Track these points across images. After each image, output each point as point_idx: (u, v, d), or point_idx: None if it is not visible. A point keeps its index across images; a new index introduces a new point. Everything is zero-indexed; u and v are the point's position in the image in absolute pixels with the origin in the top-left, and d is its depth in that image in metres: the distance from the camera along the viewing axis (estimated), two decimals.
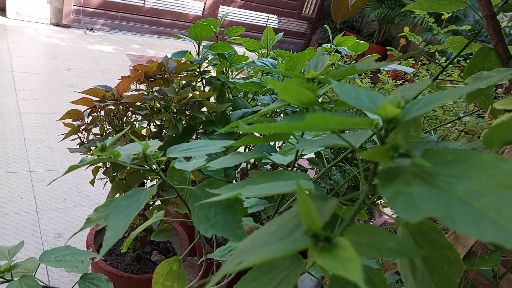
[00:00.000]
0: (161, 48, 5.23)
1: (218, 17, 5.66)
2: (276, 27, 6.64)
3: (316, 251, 0.27)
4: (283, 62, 1.33)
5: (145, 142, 0.56)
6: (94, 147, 1.18)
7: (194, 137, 1.32)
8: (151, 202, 1.44)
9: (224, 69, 1.37)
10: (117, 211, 0.51)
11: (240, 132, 1.57)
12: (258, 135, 0.60)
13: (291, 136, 0.78)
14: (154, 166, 0.65)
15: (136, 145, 0.59)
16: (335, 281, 0.39)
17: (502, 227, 0.22)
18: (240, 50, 1.52)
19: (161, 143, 0.63)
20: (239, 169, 1.59)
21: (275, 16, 6.54)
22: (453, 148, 0.29)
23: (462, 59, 1.78)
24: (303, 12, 6.62)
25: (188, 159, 0.80)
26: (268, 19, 6.48)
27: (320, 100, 1.34)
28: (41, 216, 2.12)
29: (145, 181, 1.39)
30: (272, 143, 1.31)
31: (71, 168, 0.58)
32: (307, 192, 0.43)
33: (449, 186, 0.26)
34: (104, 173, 1.31)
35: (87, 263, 0.91)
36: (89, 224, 0.62)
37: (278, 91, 0.32)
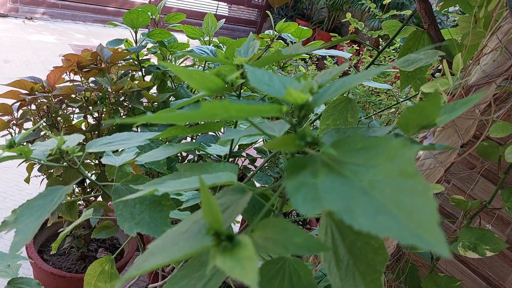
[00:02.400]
0: (107, 37, 5.03)
1: (166, 4, 5.51)
2: (227, 14, 6.57)
3: (218, 252, 0.24)
4: (223, 50, 1.30)
5: (60, 137, 0.51)
6: (25, 143, 1.10)
7: (135, 129, 1.27)
8: (93, 198, 1.38)
9: (164, 57, 1.32)
10: (29, 212, 0.47)
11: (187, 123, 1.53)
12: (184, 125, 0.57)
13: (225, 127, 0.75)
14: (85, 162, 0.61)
15: (52, 140, 0.54)
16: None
17: (398, 220, 0.21)
18: (183, 37, 1.47)
19: (83, 137, 0.59)
20: (185, 161, 1.55)
21: (225, 4, 6.47)
22: (363, 135, 0.27)
23: (401, 43, 1.82)
24: None
25: (120, 153, 0.76)
26: (217, 6, 6.39)
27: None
28: None
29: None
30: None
31: None
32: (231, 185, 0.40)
33: (355, 175, 0.25)
34: (39, 170, 1.23)
35: (16, 267, 0.85)
36: (4, 227, 0.57)
37: (183, 78, 0.29)
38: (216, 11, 6.38)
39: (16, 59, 3.71)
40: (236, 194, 0.35)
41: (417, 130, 0.31)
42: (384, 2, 1.64)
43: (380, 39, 1.92)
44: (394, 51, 1.71)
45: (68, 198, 1.22)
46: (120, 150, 0.72)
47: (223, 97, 0.36)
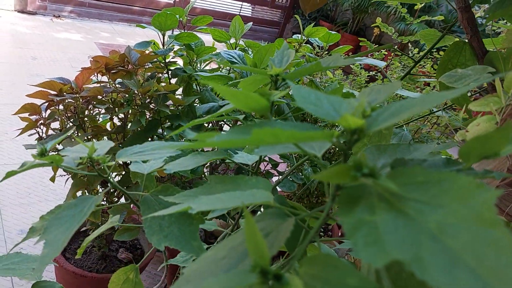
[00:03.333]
0: (132, 36, 5.09)
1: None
2: (250, 15, 6.56)
3: None
4: (253, 54, 1.28)
5: (91, 145, 0.50)
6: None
7: (160, 131, 1.26)
8: (116, 199, 1.38)
9: (191, 60, 1.31)
10: (58, 223, 0.46)
11: (210, 125, 1.51)
12: None
13: None
14: (111, 166, 0.60)
15: (82, 147, 0.53)
16: None
17: (479, 278, 0.18)
18: (210, 39, 1.46)
19: (113, 144, 0.57)
20: (208, 164, 1.54)
21: (248, 4, 6.46)
22: (424, 168, 0.25)
23: (434, 50, 1.77)
24: (277, 0, 6.55)
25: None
26: (241, 7, 6.39)
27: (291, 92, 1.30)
28: (4, 212, 2.03)
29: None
30: None
31: (9, 174, 0.52)
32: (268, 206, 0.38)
33: (419, 215, 0.22)
34: (64, 169, 1.24)
35: (40, 270, 0.85)
36: (32, 234, 0.56)
37: (226, 98, 0.27)
38: (239, 12, 6.37)
39: (44, 56, 3.77)
40: (276, 219, 0.33)
41: (478, 160, 0.29)
42: (415, 7, 1.60)
43: (409, 44, 1.88)
44: (424, 57, 1.66)
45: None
46: None
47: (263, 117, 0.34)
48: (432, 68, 1.66)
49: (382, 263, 0.20)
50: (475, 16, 0.65)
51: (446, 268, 0.19)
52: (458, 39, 0.71)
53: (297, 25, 6.72)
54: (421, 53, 1.66)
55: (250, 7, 6.52)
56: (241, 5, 6.35)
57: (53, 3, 4.85)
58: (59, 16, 4.92)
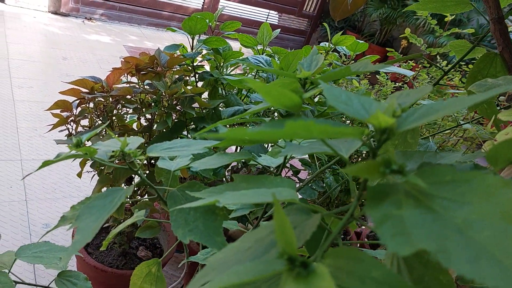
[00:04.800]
0: (159, 40, 5.18)
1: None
2: (276, 23, 6.59)
3: (290, 277, 0.23)
4: (279, 60, 1.29)
5: (124, 139, 0.52)
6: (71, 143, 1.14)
7: (185, 133, 1.28)
8: (139, 197, 1.41)
9: (218, 64, 1.33)
10: (89, 212, 0.48)
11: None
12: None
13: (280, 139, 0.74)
14: (139, 163, 0.61)
15: (115, 141, 0.55)
16: None
17: (506, 269, 0.19)
18: (236, 45, 1.48)
19: (143, 140, 0.59)
20: (229, 167, 1.55)
21: (275, 12, 6.49)
22: (452, 167, 0.25)
23: (463, 63, 1.75)
24: (304, 9, 6.57)
25: (174, 157, 0.76)
26: (268, 15, 6.43)
27: (316, 99, 1.30)
28: (30, 206, 2.09)
29: (133, 175, 1.36)
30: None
31: (46, 163, 0.55)
32: (292, 203, 0.39)
33: (446, 211, 0.23)
34: (91, 166, 1.27)
35: (66, 260, 0.87)
36: (63, 222, 0.59)
37: (260, 94, 0.28)
38: (266, 20, 6.42)
39: (74, 56, 3.87)
40: (302, 214, 0.33)
41: (506, 164, 0.29)
42: (445, 19, 1.59)
43: (438, 56, 1.86)
44: (453, 70, 1.64)
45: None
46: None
47: (295, 114, 0.35)
48: (460, 81, 1.64)
49: (408, 252, 0.21)
50: (508, 29, 0.65)
51: (471, 259, 0.20)
52: (489, 51, 0.70)
53: (323, 35, 6.72)
54: (450, 66, 1.65)
55: (277, 15, 6.55)
56: (268, 13, 6.39)
57: (85, 6, 4.99)
58: (91, 19, 5.05)
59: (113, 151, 0.52)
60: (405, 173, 0.25)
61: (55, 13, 4.90)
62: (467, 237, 0.21)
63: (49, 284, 0.87)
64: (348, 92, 0.31)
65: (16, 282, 0.78)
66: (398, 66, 1.65)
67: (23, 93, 3.01)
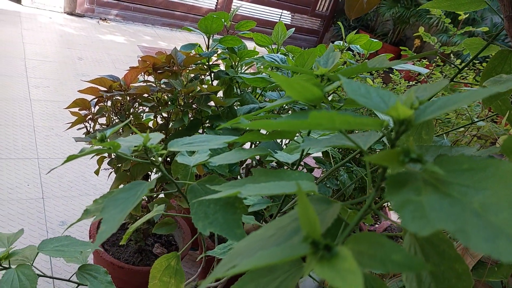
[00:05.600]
0: (173, 40, 5.22)
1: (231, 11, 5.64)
2: (289, 23, 6.60)
3: (315, 260, 0.25)
4: (294, 58, 1.31)
5: (146, 134, 0.54)
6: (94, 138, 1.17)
7: (200, 131, 1.30)
8: (155, 195, 1.43)
9: (233, 63, 1.35)
10: (114, 204, 0.50)
11: (247, 129, 1.55)
12: (263, 132, 0.58)
13: (297, 135, 0.75)
14: (158, 159, 0.63)
15: (138, 137, 0.57)
16: None
17: None
18: (250, 45, 1.49)
19: (163, 136, 0.61)
20: (244, 165, 1.57)
21: (288, 12, 6.50)
22: (469, 156, 0.26)
23: (477, 61, 1.74)
24: (316, 9, 6.56)
25: (191, 153, 0.78)
26: (281, 15, 6.44)
27: (329, 98, 1.31)
28: (47, 203, 2.13)
29: (149, 173, 1.38)
30: (278, 141, 1.29)
31: (70, 158, 0.57)
32: (311, 194, 0.41)
33: (463, 196, 0.24)
34: (108, 163, 1.30)
35: (87, 254, 0.90)
36: (86, 215, 0.61)
37: (283, 87, 0.30)
38: (279, 19, 6.43)
39: (89, 56, 3.93)
40: (322, 204, 0.35)
41: None
42: (459, 18, 1.58)
43: (451, 55, 1.85)
44: (466, 68, 1.64)
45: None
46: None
47: (316, 107, 0.36)
48: (474, 80, 1.63)
49: (427, 233, 0.22)
50: None
51: (489, 238, 0.21)
52: (503, 49, 0.71)
53: (336, 34, 6.71)
54: (463, 64, 1.64)
55: (290, 15, 6.56)
56: (281, 13, 6.40)
57: (100, 7, 5.05)
58: (105, 19, 5.11)
59: (135, 146, 0.54)
60: (424, 162, 0.26)
61: (71, 13, 4.97)
62: (484, 219, 0.22)
63: (70, 277, 0.89)
64: (367, 86, 0.33)
65: (38, 275, 0.80)
66: (412, 65, 1.65)
67: (39, 93, 3.06)
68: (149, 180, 1.41)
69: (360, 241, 0.27)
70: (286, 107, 1.29)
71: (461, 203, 0.24)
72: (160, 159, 0.59)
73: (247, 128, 1.43)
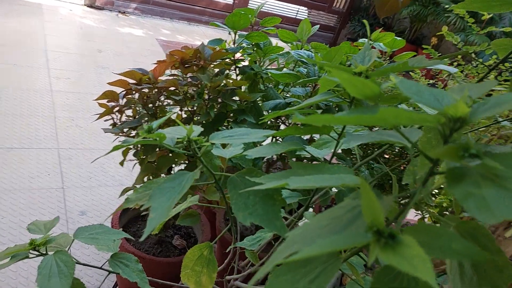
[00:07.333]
0: (191, 34, 5.25)
1: (248, 6, 5.65)
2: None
3: (378, 247, 0.26)
4: (319, 55, 1.32)
5: (190, 127, 0.56)
6: (128, 129, 1.19)
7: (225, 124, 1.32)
8: None
9: (257, 58, 1.37)
10: (161, 192, 0.52)
11: (268, 122, 1.56)
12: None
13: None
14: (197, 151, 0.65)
15: (179, 129, 0.59)
16: (379, 280, 0.39)
17: None
18: (272, 41, 1.51)
19: (202, 129, 0.63)
20: (264, 160, 1.59)
21: (305, 8, 6.48)
22: None
23: (497, 61, 1.73)
24: (333, 5, 6.54)
25: (223, 146, 0.80)
26: (298, 11, 6.43)
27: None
28: (67, 193, 2.17)
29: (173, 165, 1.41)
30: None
31: (116, 148, 0.59)
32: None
33: None
34: (134, 155, 1.32)
35: (117, 243, 0.93)
36: (128, 204, 0.63)
37: (343, 84, 0.31)
38: (296, 16, 6.42)
39: (109, 49, 3.97)
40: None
41: None
42: (483, 18, 1.58)
43: (473, 54, 1.85)
44: (483, 66, 1.63)
45: None
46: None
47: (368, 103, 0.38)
48: (495, 79, 1.63)
49: (494, 222, 0.24)
50: None
51: None
52: None
53: (352, 31, 6.67)
54: (486, 64, 1.63)
55: (306, 11, 6.54)
56: (298, 9, 6.39)
57: (119, 0, 5.10)
58: (124, 12, 5.16)
59: (179, 138, 0.56)
60: (482, 157, 0.28)
61: (90, 6, 5.02)
62: None
63: (102, 265, 0.92)
64: (419, 84, 0.34)
65: (76, 263, 0.83)
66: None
67: (60, 84, 3.11)
68: (171, 172, 1.43)
69: (418, 231, 0.29)
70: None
71: None
72: (199, 151, 0.61)
73: (269, 122, 1.45)
